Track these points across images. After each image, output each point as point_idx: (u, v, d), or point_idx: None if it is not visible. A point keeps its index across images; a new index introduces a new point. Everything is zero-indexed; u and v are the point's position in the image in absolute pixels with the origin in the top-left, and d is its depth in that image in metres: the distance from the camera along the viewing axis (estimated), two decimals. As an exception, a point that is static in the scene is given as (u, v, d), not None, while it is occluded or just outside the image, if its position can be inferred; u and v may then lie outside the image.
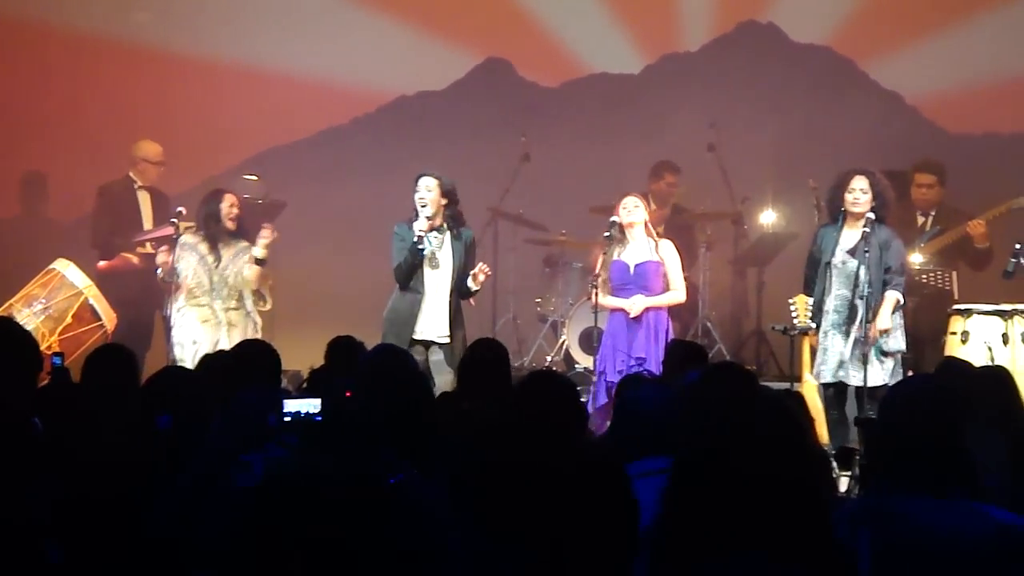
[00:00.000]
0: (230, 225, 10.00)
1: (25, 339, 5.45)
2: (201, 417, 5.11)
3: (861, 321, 8.93)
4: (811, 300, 9.20)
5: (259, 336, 9.73)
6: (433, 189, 9.30)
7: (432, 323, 9.32)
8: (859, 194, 9.05)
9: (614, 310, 9.42)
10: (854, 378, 8.89)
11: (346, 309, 11.77)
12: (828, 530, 3.06)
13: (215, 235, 9.96)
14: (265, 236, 9.97)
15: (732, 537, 2.92)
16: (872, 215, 8.99)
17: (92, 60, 13.97)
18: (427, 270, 9.32)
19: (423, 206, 9.23)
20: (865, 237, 8.97)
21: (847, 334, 9.00)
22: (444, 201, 9.33)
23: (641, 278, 9.40)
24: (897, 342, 9.08)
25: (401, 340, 9.03)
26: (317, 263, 13.00)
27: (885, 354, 9.01)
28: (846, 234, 9.11)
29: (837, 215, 9.15)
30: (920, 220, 10.67)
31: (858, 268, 8.97)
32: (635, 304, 9.33)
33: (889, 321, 8.98)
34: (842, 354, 8.99)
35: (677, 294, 9.53)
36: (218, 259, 9.91)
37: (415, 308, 9.30)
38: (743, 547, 2.91)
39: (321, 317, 12.06)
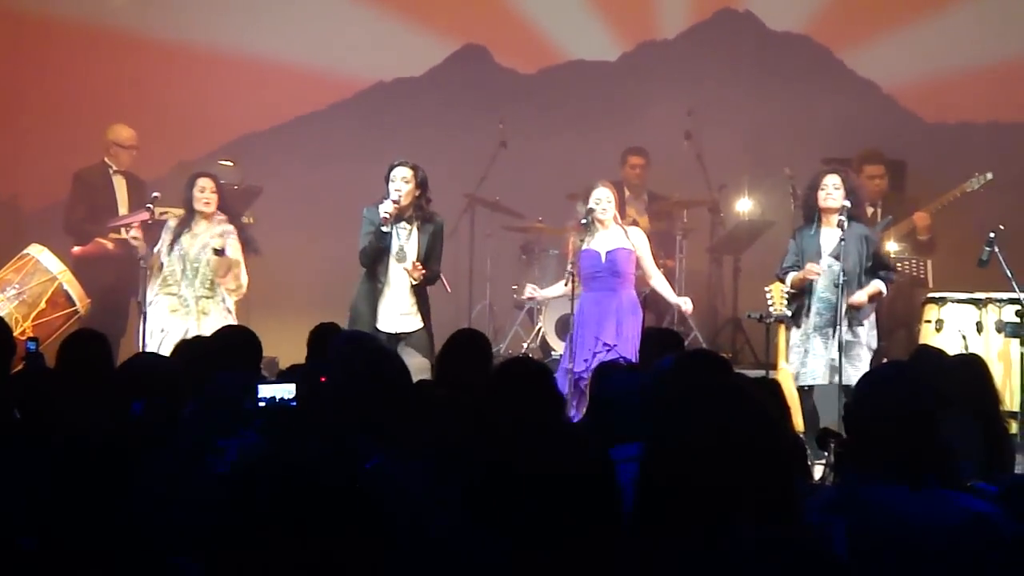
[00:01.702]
0: (204, 209, 9.96)
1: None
2: (175, 403, 5.10)
3: (846, 321, 8.91)
4: (786, 288, 9.21)
5: (231, 322, 9.71)
6: (409, 180, 9.24)
7: (396, 315, 9.25)
8: (831, 189, 9.05)
9: (583, 300, 9.35)
10: (849, 377, 8.75)
11: (322, 295, 11.76)
12: (797, 509, 3.08)
13: (187, 221, 9.93)
14: (214, 227, 9.92)
15: (701, 514, 2.94)
16: (847, 204, 8.97)
17: (67, 44, 13.90)
18: (392, 262, 9.26)
19: (398, 195, 9.18)
20: (840, 228, 8.95)
21: (829, 337, 8.96)
22: (417, 192, 9.28)
23: (613, 265, 9.34)
24: (873, 338, 9.09)
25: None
26: (293, 249, 12.97)
27: (871, 351, 9.03)
28: (826, 235, 9.08)
29: (813, 215, 9.13)
30: (870, 211, 10.71)
31: (839, 271, 8.94)
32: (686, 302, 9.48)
33: (864, 298, 8.95)
34: (831, 357, 8.94)
35: (658, 278, 9.52)
36: (190, 245, 9.89)
37: (374, 302, 9.23)
38: (713, 523, 2.93)
39: (297, 303, 12.06)
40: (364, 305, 9.24)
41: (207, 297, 9.90)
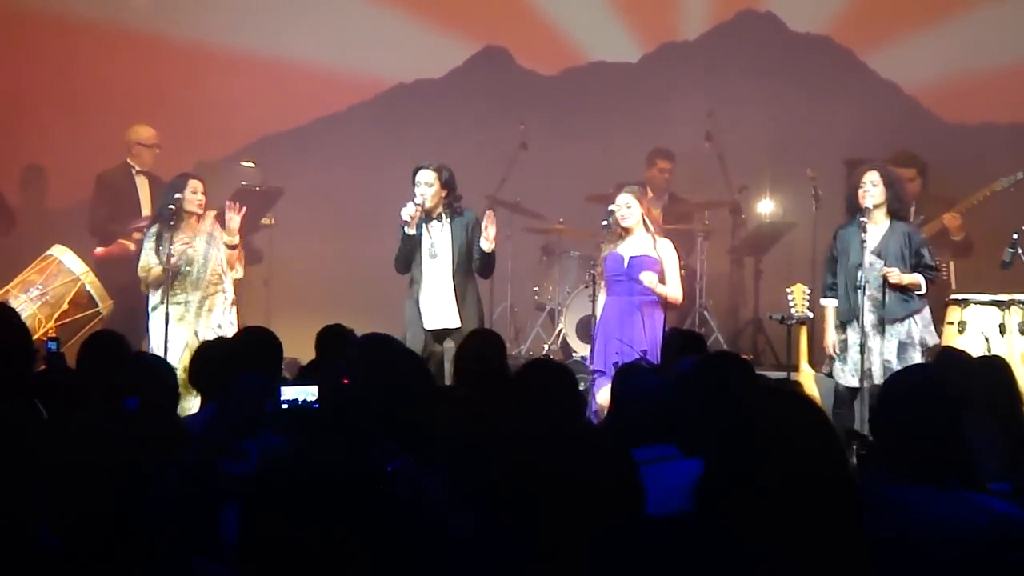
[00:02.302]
0: (197, 210, 9.96)
1: (16, 325, 5.46)
2: (169, 402, 5.15)
3: (901, 321, 8.88)
4: (807, 290, 9.19)
5: (229, 308, 9.77)
6: (433, 183, 9.28)
7: (437, 312, 9.29)
8: (869, 187, 8.97)
9: (605, 304, 9.33)
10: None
11: (343, 297, 11.79)
12: (855, 522, 3.03)
13: (172, 223, 9.90)
14: (229, 218, 9.92)
15: (758, 528, 2.90)
16: (871, 205, 8.92)
17: (87, 45, 13.94)
18: (426, 259, 9.32)
19: (422, 199, 9.21)
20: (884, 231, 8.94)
21: (883, 334, 8.91)
22: (444, 192, 9.32)
23: (635, 271, 9.29)
24: (934, 335, 9.03)
25: (416, 338, 9.05)
26: (314, 250, 13.00)
27: (927, 349, 8.95)
28: (871, 231, 9.01)
29: (855, 213, 9.05)
30: (909, 211, 10.69)
31: (882, 269, 8.91)
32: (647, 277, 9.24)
33: (901, 278, 8.87)
34: (885, 355, 8.89)
35: (675, 291, 9.43)
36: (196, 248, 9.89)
37: (417, 302, 9.29)
38: (768, 537, 2.90)
39: (319, 305, 12.06)
40: (410, 306, 9.30)
41: (213, 293, 9.90)
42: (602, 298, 9.43)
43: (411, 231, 9.23)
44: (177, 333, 9.76)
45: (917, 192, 10.84)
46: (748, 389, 4.84)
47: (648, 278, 9.16)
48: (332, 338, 7.28)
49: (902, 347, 8.89)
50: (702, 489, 2.96)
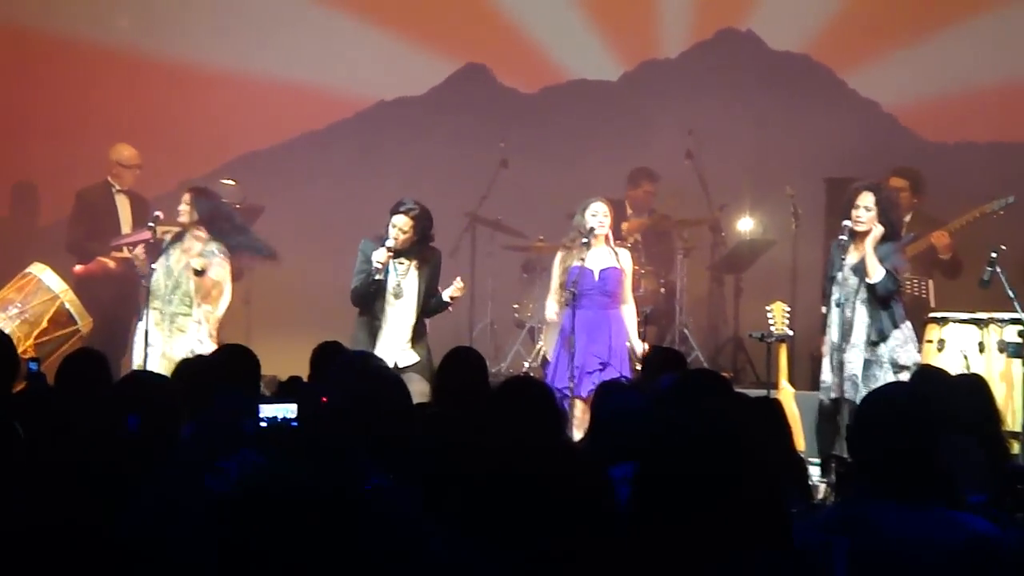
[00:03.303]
0: (181, 221, 9.89)
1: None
2: (171, 420, 5.10)
3: (871, 340, 8.87)
4: (787, 308, 9.21)
5: (206, 343, 9.66)
6: (407, 230, 9.20)
7: (395, 349, 9.22)
8: (862, 212, 8.88)
9: (576, 318, 9.36)
10: (856, 398, 8.61)
11: (324, 314, 11.74)
12: (787, 531, 3.08)
13: (178, 236, 9.87)
14: (197, 245, 9.87)
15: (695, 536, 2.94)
16: (877, 228, 8.86)
17: (70, 63, 13.93)
18: (390, 299, 9.27)
19: (393, 242, 9.16)
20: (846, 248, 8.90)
21: (850, 352, 8.90)
22: (415, 239, 9.26)
23: (605, 284, 9.43)
24: (911, 355, 9.00)
25: None
26: (294, 268, 12.92)
27: (900, 368, 8.93)
28: (853, 251, 8.98)
29: (845, 230, 8.96)
30: (898, 227, 10.67)
31: (855, 285, 8.90)
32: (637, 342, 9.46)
33: (871, 258, 8.87)
34: (854, 370, 8.88)
35: (630, 306, 9.58)
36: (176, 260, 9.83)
37: (372, 337, 9.24)
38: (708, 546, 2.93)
39: (299, 322, 12.05)
40: (363, 336, 9.25)
41: (184, 315, 9.80)
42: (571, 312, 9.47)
43: (379, 277, 9.19)
44: (157, 337, 9.69)
45: (908, 204, 10.81)
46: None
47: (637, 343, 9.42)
48: (328, 356, 7.26)
49: (867, 364, 8.87)
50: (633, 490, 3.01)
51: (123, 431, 4.76)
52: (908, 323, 9.09)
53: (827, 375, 9.01)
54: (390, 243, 9.15)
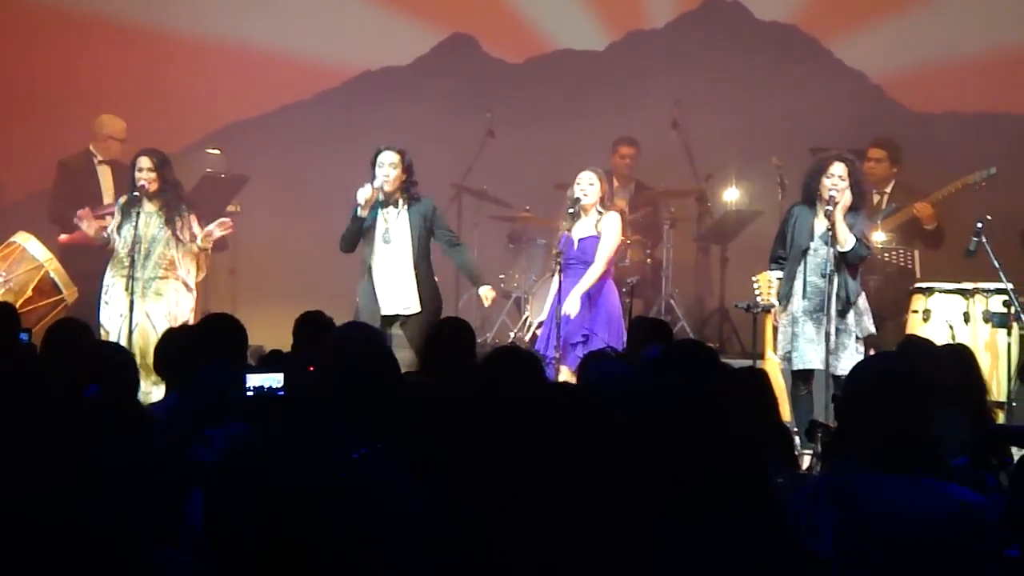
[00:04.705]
0: (151, 187, 9.85)
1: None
2: (129, 388, 5.12)
3: (836, 309, 8.84)
4: (774, 276, 9.18)
5: (190, 304, 9.72)
6: (396, 165, 9.26)
7: (393, 297, 9.28)
8: (837, 180, 8.85)
9: (560, 287, 9.34)
10: (835, 367, 8.68)
11: (309, 284, 11.74)
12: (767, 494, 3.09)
13: (135, 201, 9.84)
14: (218, 231, 9.88)
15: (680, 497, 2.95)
16: (845, 197, 8.84)
17: (51, 31, 13.85)
18: (379, 245, 9.28)
19: (383, 181, 9.19)
20: (827, 217, 8.87)
21: (819, 322, 8.88)
22: (404, 177, 9.29)
23: (584, 253, 9.39)
24: (869, 326, 9.01)
25: (373, 320, 9.04)
26: (280, 238, 12.94)
27: (860, 339, 8.93)
28: (820, 220, 8.96)
29: (813, 199, 9.01)
30: (876, 198, 10.68)
31: (828, 254, 8.87)
32: (571, 306, 9.29)
33: (840, 225, 8.84)
34: (817, 341, 8.87)
35: (593, 268, 9.34)
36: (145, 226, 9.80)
37: (372, 287, 9.29)
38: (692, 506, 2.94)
39: (283, 291, 12.03)
40: (364, 292, 9.29)
41: (162, 278, 9.81)
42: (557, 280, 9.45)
43: (363, 214, 9.20)
44: (119, 302, 9.68)
45: (887, 174, 10.82)
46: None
47: (572, 307, 9.23)
48: (310, 325, 7.25)
49: (838, 333, 8.85)
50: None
51: (86, 399, 4.76)
52: (863, 294, 9.09)
53: (787, 345, 8.98)
54: (379, 182, 9.16)
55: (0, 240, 10.72)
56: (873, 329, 9.07)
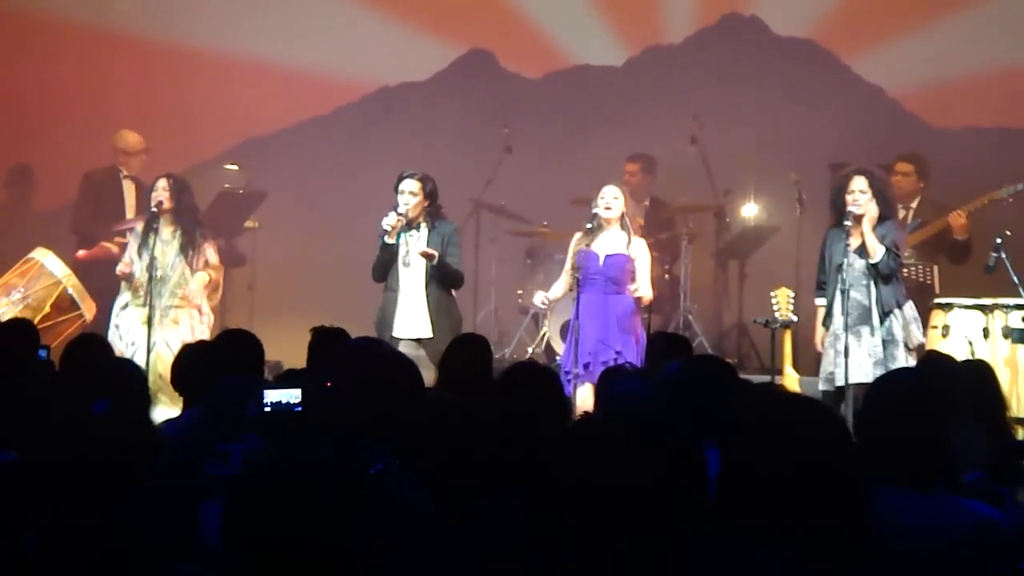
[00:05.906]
0: (167, 205, 9.82)
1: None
2: (140, 405, 5.12)
3: (880, 321, 8.82)
4: (792, 293, 9.17)
5: (206, 332, 9.68)
6: (417, 192, 9.25)
7: (410, 321, 9.27)
8: (858, 195, 8.86)
9: (580, 302, 9.30)
10: None
11: (326, 300, 11.75)
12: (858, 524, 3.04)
13: (151, 224, 9.83)
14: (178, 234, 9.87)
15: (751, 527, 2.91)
16: (871, 211, 8.83)
17: (72, 47, 13.92)
18: (401, 268, 9.29)
19: (405, 208, 9.19)
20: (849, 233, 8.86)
21: (859, 335, 8.84)
22: (426, 203, 9.30)
23: (609, 270, 9.32)
24: (918, 335, 8.98)
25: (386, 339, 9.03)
26: (298, 253, 12.97)
27: (910, 349, 8.91)
28: (854, 236, 8.92)
29: (842, 217, 8.95)
30: (902, 213, 10.64)
31: (862, 267, 8.86)
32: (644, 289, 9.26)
33: (870, 234, 8.83)
34: (868, 355, 8.83)
35: (645, 290, 9.36)
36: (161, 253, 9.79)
37: (393, 307, 9.28)
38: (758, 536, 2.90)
39: (301, 307, 12.04)
40: (384, 313, 9.28)
41: (177, 307, 9.79)
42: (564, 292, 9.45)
43: (390, 240, 9.20)
44: (142, 335, 9.65)
45: (914, 189, 10.79)
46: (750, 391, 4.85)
47: (638, 289, 9.19)
48: (325, 340, 7.24)
49: (884, 344, 8.84)
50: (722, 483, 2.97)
51: (94, 415, 4.76)
52: (911, 303, 9.05)
53: (831, 365, 8.94)
54: (401, 208, 9.17)
55: (20, 255, 10.75)
56: (923, 338, 9.02)
